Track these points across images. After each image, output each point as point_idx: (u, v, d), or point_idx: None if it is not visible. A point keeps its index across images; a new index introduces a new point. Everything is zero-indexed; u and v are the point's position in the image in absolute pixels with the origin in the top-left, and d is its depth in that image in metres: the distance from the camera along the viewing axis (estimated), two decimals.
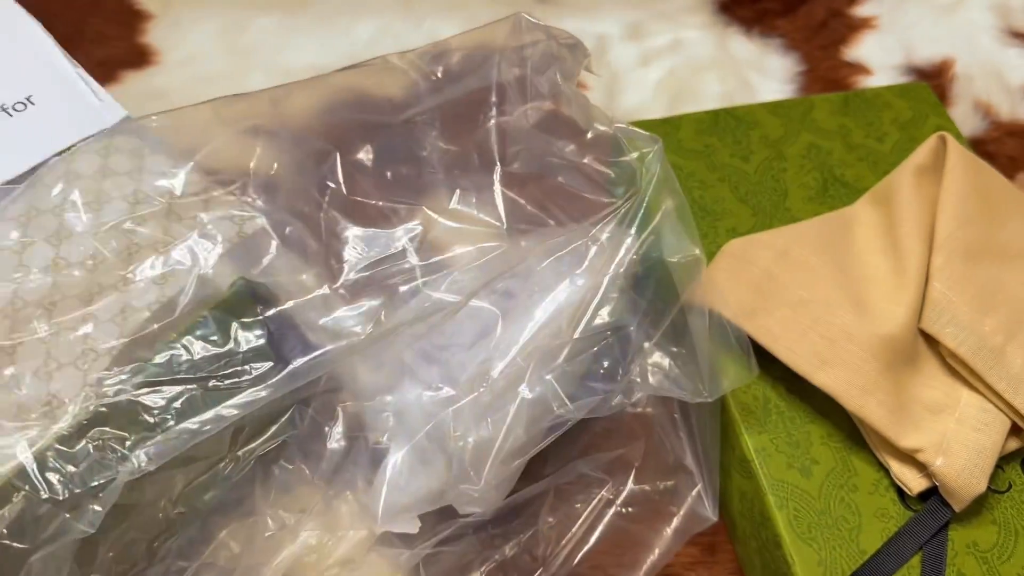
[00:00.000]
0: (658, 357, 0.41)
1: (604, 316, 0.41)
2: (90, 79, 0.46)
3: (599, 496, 0.43)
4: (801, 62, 0.62)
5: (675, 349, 0.41)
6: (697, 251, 0.40)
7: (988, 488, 0.39)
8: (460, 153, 0.45)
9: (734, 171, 0.48)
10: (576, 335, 0.39)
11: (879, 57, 0.62)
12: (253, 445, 0.39)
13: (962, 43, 0.62)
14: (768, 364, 0.41)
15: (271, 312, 0.40)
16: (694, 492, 0.42)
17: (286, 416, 0.40)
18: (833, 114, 0.51)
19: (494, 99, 0.45)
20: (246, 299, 0.40)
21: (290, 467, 0.40)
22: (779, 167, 0.49)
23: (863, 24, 0.64)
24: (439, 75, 0.46)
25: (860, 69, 0.62)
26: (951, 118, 0.51)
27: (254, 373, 0.38)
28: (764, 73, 0.61)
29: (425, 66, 0.46)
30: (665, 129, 0.50)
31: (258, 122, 0.46)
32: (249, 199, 0.44)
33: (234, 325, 0.39)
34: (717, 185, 0.48)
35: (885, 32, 0.63)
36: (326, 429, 0.41)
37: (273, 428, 0.39)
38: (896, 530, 0.38)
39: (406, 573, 0.41)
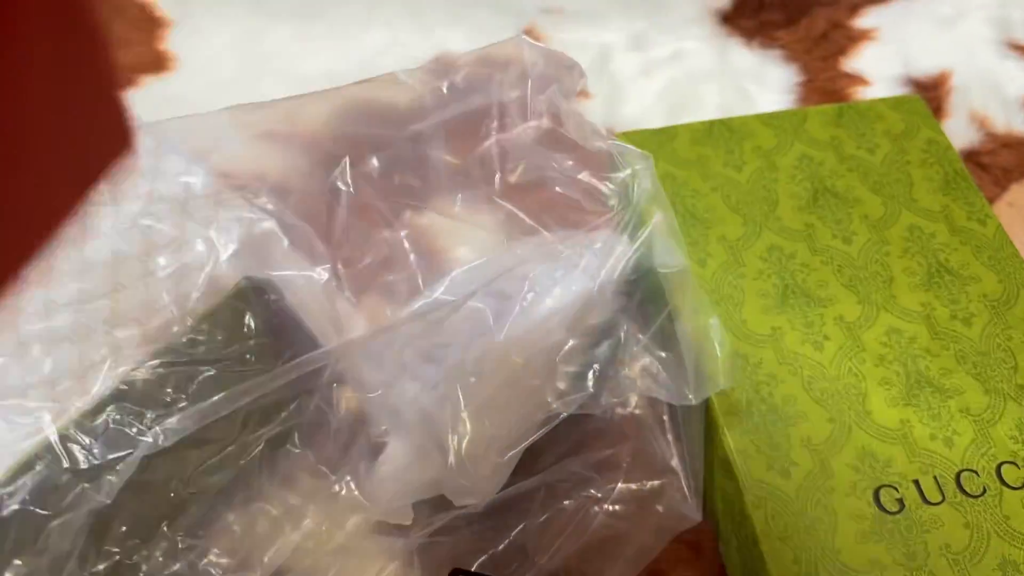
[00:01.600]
0: (646, 360, 0.44)
1: (596, 318, 0.43)
2: None
3: (589, 494, 0.45)
4: (800, 73, 0.63)
5: (662, 354, 0.44)
6: (685, 261, 0.43)
7: (964, 493, 0.40)
8: (462, 165, 0.48)
9: (726, 180, 0.50)
10: (568, 335, 0.42)
11: (878, 68, 0.63)
12: (261, 431, 0.41)
13: (961, 55, 0.63)
14: (752, 368, 0.43)
15: (278, 307, 0.43)
16: (680, 492, 0.44)
17: (293, 404, 0.42)
18: (826, 125, 0.52)
19: (495, 116, 0.47)
20: (255, 294, 0.43)
21: (296, 451, 0.42)
22: (771, 177, 0.50)
23: (863, 36, 0.65)
24: (444, 91, 0.48)
25: (858, 80, 0.63)
26: (943, 130, 0.52)
27: (263, 362, 0.40)
28: (763, 84, 0.62)
29: (431, 82, 0.48)
30: (661, 139, 0.51)
31: (272, 129, 0.49)
32: (260, 201, 0.46)
33: (245, 316, 0.42)
34: (709, 194, 0.49)
35: (885, 44, 0.64)
36: (330, 418, 0.43)
37: (281, 415, 0.42)
38: (871, 531, 0.39)
39: (401, 561, 0.43)
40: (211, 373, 0.41)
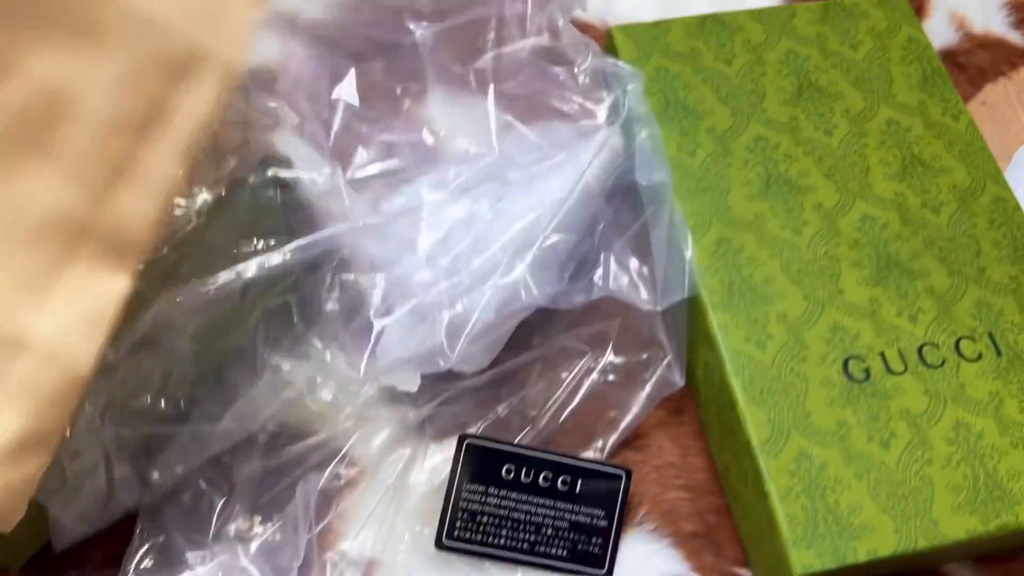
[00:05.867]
0: (618, 264, 0.48)
1: (578, 216, 0.47)
2: None
3: (580, 364, 0.48)
4: None
5: (635, 260, 0.48)
6: (664, 177, 0.47)
7: (925, 364, 0.44)
8: (461, 73, 0.50)
9: (716, 74, 0.52)
10: (551, 229, 0.45)
11: None
12: (259, 299, 0.44)
13: None
14: (735, 252, 0.46)
15: (289, 194, 0.45)
16: (664, 362, 0.47)
17: (291, 279, 0.45)
18: (813, 22, 0.54)
19: (495, 28, 0.50)
20: (268, 181, 0.45)
21: (293, 320, 0.45)
22: (759, 71, 0.52)
23: None
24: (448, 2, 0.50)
25: None
26: (924, 29, 0.54)
27: (271, 241, 0.43)
28: None
29: None
30: (655, 32, 0.53)
31: (285, 28, 0.50)
32: (276, 97, 0.48)
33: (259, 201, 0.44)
34: (700, 87, 0.52)
35: None
36: (324, 295, 0.46)
37: (277, 288, 0.45)
38: (839, 397, 0.43)
39: (412, 427, 0.47)
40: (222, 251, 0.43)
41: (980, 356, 0.44)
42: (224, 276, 0.41)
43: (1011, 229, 0.48)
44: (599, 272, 0.46)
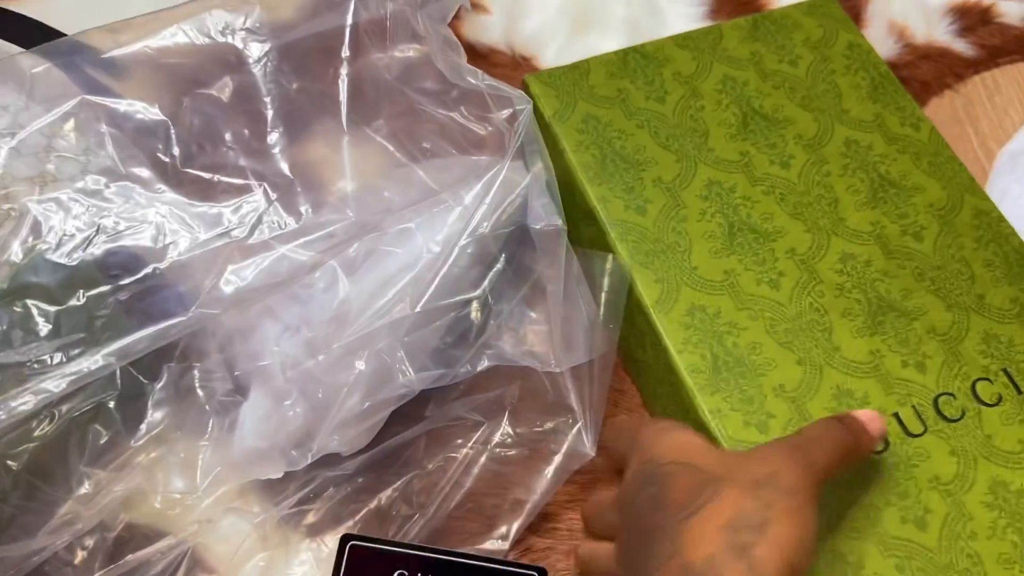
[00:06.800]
0: (512, 325, 0.42)
1: (455, 284, 0.40)
2: None
3: (476, 437, 0.42)
4: None
5: (533, 315, 0.42)
6: (559, 221, 0.40)
7: (944, 419, 0.39)
8: (308, 110, 0.41)
9: (652, 115, 0.46)
10: (420, 308, 0.38)
11: None
12: (65, 407, 0.36)
13: None
14: (711, 318, 0.40)
15: (128, 280, 0.38)
16: (574, 429, 0.42)
17: (105, 377, 0.37)
18: (743, 41, 0.49)
19: (353, 41, 0.41)
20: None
21: (105, 431, 0.38)
22: (696, 105, 0.46)
23: None
24: (290, 14, 0.41)
25: None
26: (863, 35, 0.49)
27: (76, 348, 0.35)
28: None
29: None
30: (574, 76, 0.47)
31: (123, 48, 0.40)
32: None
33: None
34: (636, 133, 0.45)
35: None
36: (149, 390, 0.38)
37: (87, 391, 0.37)
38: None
39: (271, 528, 0.40)
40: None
41: (1000, 399, 0.39)
42: (15, 400, 0.34)
43: (1000, 245, 0.43)
44: (490, 336, 0.40)
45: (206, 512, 0.40)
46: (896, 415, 0.39)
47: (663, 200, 0.43)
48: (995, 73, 0.56)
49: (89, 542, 0.38)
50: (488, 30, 0.50)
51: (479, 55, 0.52)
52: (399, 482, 0.41)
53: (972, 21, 0.59)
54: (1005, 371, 0.40)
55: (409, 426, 0.42)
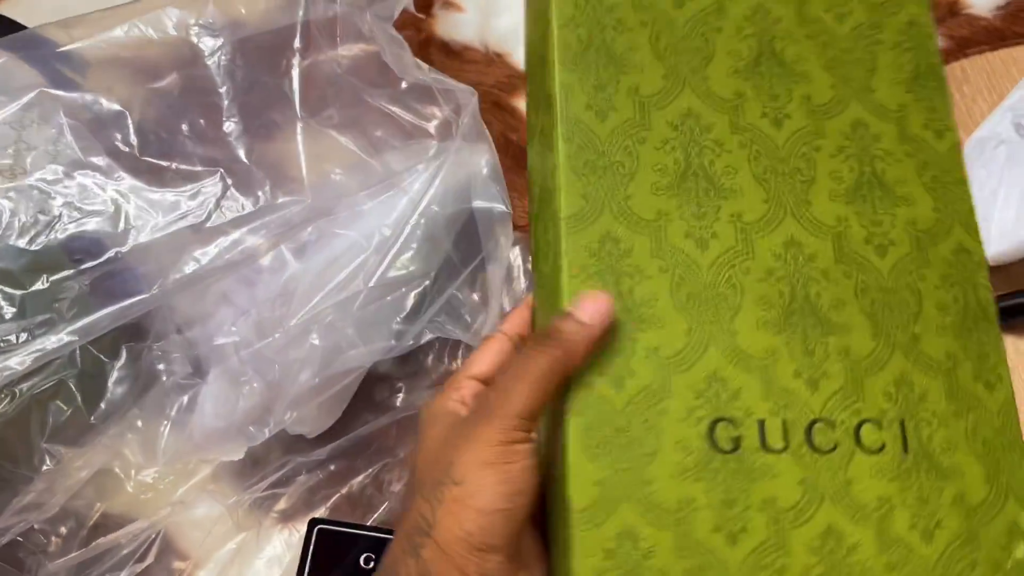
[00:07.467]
0: (455, 303, 0.43)
1: (404, 265, 0.41)
2: None
3: None
4: None
5: (474, 296, 0.43)
6: (504, 206, 0.42)
7: (811, 446, 0.35)
8: (262, 102, 0.42)
9: (662, 17, 0.41)
10: (372, 283, 0.39)
11: None
12: (26, 385, 0.37)
13: None
14: (620, 255, 0.37)
15: (91, 264, 0.39)
16: None
17: (66, 356, 0.38)
18: None
19: (302, 39, 0.42)
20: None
21: (66, 408, 0.38)
22: (715, 24, 0.41)
23: None
24: (242, 11, 0.42)
25: None
26: (930, 14, 0.43)
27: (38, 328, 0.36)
28: None
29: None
30: None
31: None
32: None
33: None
34: (636, 30, 0.40)
35: None
36: (108, 368, 0.39)
37: (48, 371, 0.38)
38: (692, 467, 0.34)
39: (243, 513, 0.40)
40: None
41: (882, 448, 0.36)
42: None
43: (965, 292, 0.38)
44: (432, 311, 0.41)
45: (179, 496, 0.41)
46: (761, 422, 0.35)
47: (630, 113, 0.39)
48: (964, 63, 0.58)
49: (63, 529, 0.39)
50: (462, 28, 0.50)
51: (453, 52, 0.54)
52: (371, 469, 0.42)
53: (941, 13, 0.59)
54: (901, 423, 0.36)
55: (381, 415, 0.43)
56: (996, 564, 0.34)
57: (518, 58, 0.50)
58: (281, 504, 0.40)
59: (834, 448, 0.35)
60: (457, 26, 0.48)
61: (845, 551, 0.34)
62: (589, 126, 0.38)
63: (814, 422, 0.35)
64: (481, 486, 0.33)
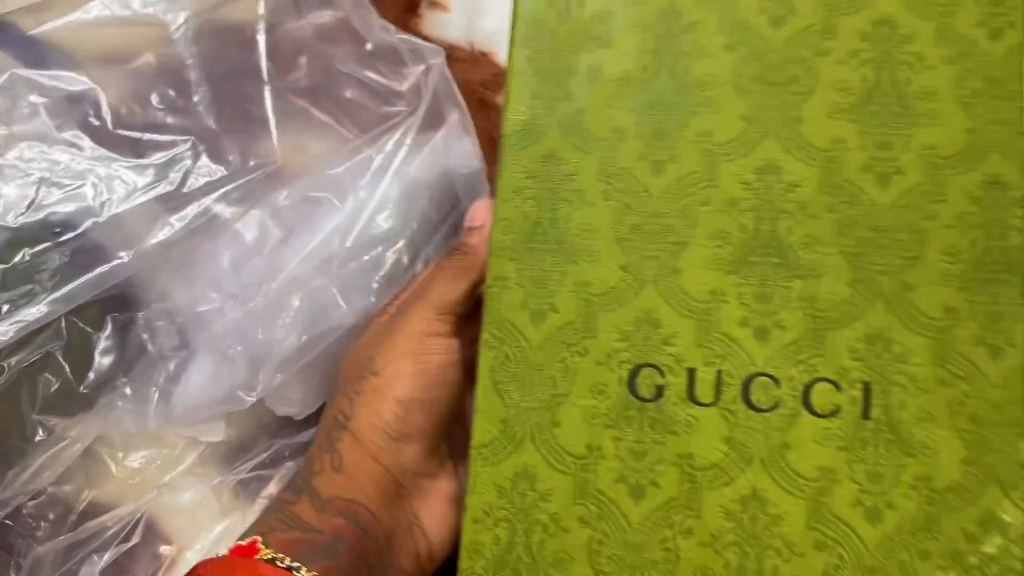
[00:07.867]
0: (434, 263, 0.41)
1: (381, 224, 0.41)
2: None
3: None
4: None
5: None
6: (478, 164, 0.43)
7: (747, 403, 0.31)
8: (230, 71, 0.42)
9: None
10: (349, 243, 0.40)
11: None
12: (14, 359, 0.39)
13: None
14: (562, 177, 0.34)
15: (69, 235, 0.40)
16: None
17: (51, 327, 0.39)
18: None
19: (262, 9, 0.42)
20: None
21: (55, 379, 0.40)
22: None
23: None
24: None
25: None
26: None
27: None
28: None
29: None
30: None
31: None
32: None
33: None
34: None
35: None
36: (94, 339, 0.40)
37: (34, 343, 0.39)
38: (604, 413, 0.32)
39: (229, 495, 0.41)
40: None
41: (835, 412, 0.31)
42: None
43: (989, 235, 0.31)
44: (412, 270, 0.41)
45: (167, 479, 0.42)
46: (692, 371, 0.32)
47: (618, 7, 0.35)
48: None
49: (51, 515, 0.41)
50: (448, 27, 0.52)
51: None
52: None
53: None
54: (866, 385, 0.31)
55: None
56: (955, 557, 0.30)
57: (503, 56, 0.50)
58: (269, 488, 0.42)
59: (774, 407, 0.31)
60: (443, 26, 0.51)
61: (768, 520, 0.31)
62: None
63: (754, 376, 0.31)
64: (399, 374, 0.34)
